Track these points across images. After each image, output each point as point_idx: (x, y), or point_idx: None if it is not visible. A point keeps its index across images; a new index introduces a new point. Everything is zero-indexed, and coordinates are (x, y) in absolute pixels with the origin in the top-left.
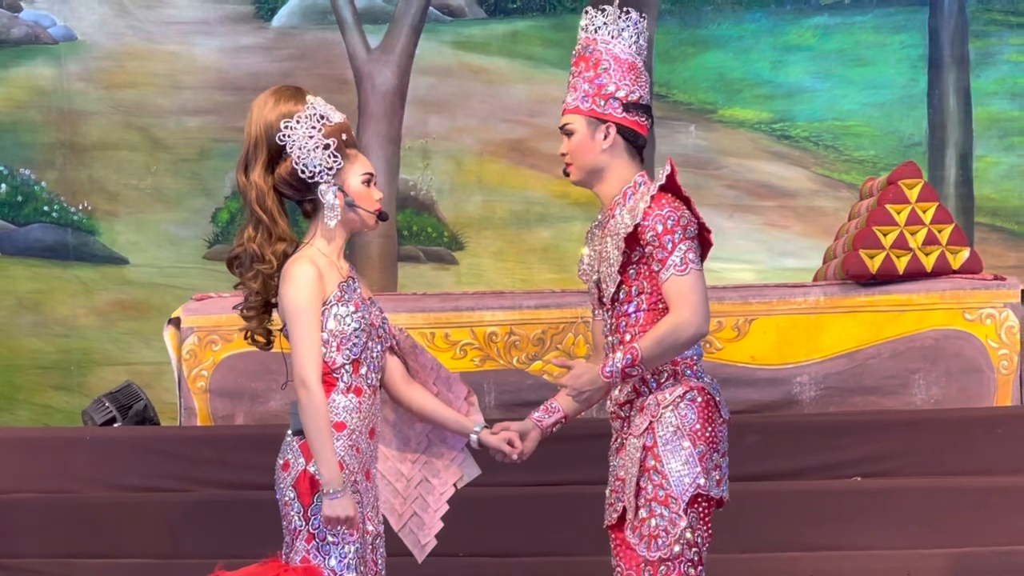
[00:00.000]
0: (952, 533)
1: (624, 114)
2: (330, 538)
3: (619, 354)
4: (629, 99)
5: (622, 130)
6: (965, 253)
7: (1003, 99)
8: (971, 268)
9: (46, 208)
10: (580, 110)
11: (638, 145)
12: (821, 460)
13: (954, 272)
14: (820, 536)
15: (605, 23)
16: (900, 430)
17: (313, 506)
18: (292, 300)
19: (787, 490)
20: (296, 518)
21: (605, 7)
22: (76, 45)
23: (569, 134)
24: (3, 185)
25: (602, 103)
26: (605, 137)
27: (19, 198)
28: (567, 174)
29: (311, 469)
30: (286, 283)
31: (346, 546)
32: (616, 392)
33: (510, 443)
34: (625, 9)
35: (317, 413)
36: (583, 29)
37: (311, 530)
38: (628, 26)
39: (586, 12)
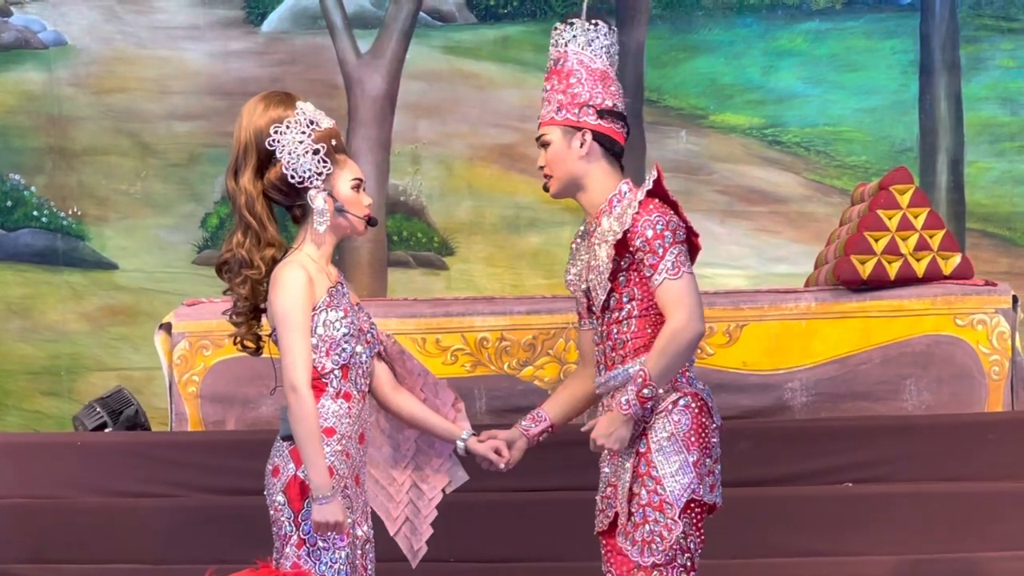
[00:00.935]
0: (944, 538)
1: (599, 121)
2: (320, 543)
3: (629, 384)
4: (604, 106)
5: (598, 137)
6: (956, 259)
7: (994, 104)
8: (962, 274)
9: (35, 213)
10: (555, 120)
11: (615, 152)
12: (812, 466)
13: (945, 278)
14: (811, 542)
15: (574, 36)
16: (891, 436)
17: (303, 511)
18: (282, 305)
19: (778, 496)
20: (286, 523)
21: (573, 20)
22: (66, 50)
23: (545, 145)
24: None
25: (576, 111)
26: (581, 144)
27: (8, 203)
28: (546, 189)
29: (301, 474)
30: (276, 288)
31: (336, 551)
32: (608, 399)
33: (497, 452)
34: (593, 20)
35: (307, 418)
36: (553, 45)
37: (301, 535)
38: (598, 36)
39: (555, 28)
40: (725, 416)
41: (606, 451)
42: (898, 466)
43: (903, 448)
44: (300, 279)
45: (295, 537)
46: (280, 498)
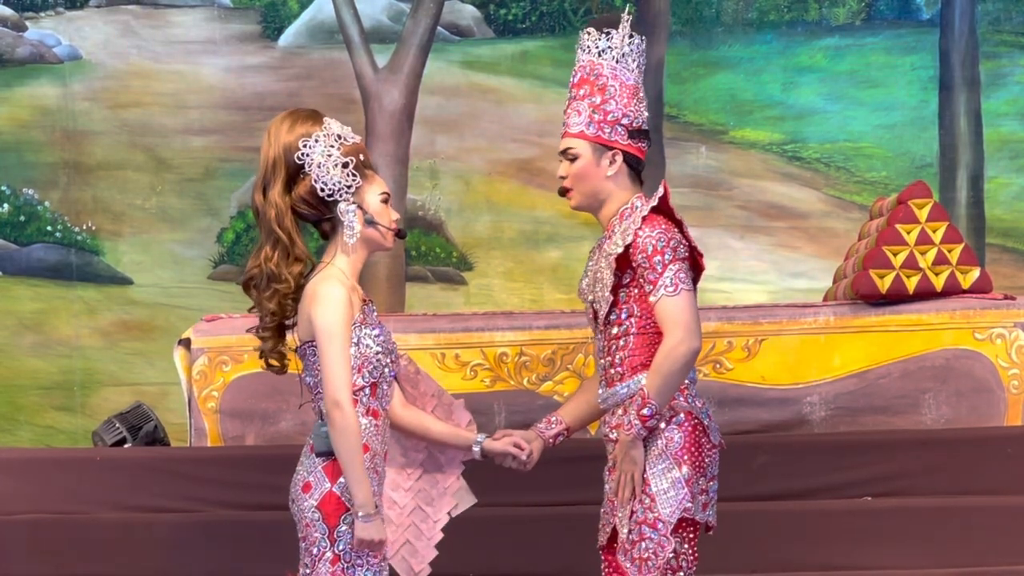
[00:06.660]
0: (962, 553)
1: (629, 141)
2: (356, 560)
3: (631, 405)
4: (634, 126)
5: (627, 157)
6: (975, 273)
7: (1014, 120)
8: (981, 288)
9: (49, 228)
10: (585, 135)
11: (638, 170)
12: (831, 480)
13: (964, 292)
14: (830, 556)
15: (610, 47)
16: (910, 450)
17: (338, 528)
18: (325, 319)
19: (797, 510)
20: (320, 540)
21: (610, 31)
22: (81, 64)
23: (572, 159)
24: (6, 205)
25: (608, 130)
26: (611, 164)
27: (22, 218)
28: (563, 194)
29: (337, 490)
30: (317, 303)
31: (370, 569)
32: (609, 415)
33: (517, 446)
34: (631, 34)
35: (351, 434)
36: (585, 51)
37: (336, 552)
38: (632, 51)
39: (589, 33)
40: (743, 430)
41: (627, 478)
42: (917, 480)
43: (922, 462)
44: (342, 294)
45: (329, 554)
46: (314, 515)
